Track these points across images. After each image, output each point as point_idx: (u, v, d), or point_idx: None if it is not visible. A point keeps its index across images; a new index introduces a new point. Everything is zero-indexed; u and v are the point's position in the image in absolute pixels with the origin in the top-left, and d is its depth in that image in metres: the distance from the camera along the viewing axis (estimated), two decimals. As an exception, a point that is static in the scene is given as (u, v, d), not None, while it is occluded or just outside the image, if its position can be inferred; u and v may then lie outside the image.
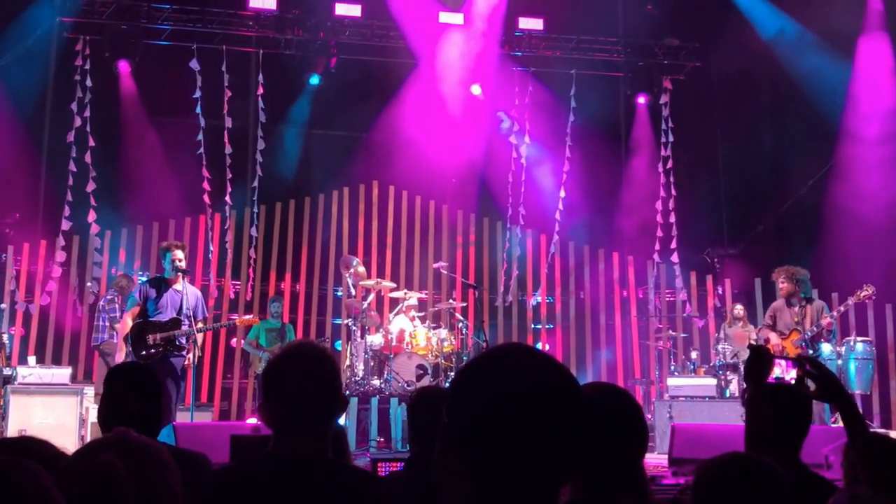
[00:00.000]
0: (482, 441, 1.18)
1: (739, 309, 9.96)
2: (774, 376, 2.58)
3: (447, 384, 8.38)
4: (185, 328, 6.94)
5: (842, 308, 7.92)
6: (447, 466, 1.22)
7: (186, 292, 7.02)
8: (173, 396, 6.74)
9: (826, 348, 8.26)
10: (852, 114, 10.46)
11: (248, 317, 8.32)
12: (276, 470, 1.94)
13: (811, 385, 2.52)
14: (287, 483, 1.92)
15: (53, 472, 1.84)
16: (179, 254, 7.05)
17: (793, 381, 2.58)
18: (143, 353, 6.84)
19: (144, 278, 7.41)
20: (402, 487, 2.71)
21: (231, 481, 1.99)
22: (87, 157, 10.62)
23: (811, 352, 7.64)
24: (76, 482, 1.44)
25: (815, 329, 7.64)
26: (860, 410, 2.44)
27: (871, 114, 10.30)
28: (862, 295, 7.75)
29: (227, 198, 11.04)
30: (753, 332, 9.51)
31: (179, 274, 7.02)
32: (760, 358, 2.57)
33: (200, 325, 7.09)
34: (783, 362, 2.55)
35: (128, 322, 7.00)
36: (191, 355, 7.11)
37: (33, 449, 1.93)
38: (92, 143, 10.66)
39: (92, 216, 10.54)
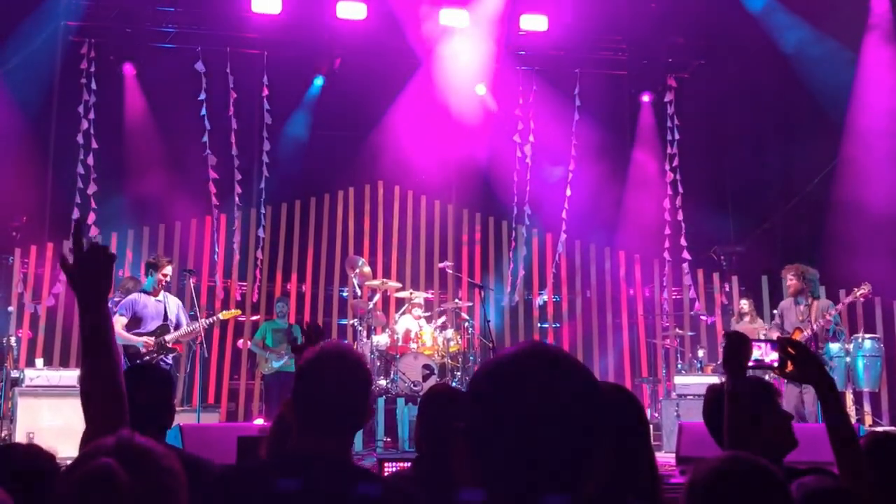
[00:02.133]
0: (497, 443, 1.18)
1: (745, 304, 9.88)
2: (754, 358, 2.48)
3: (454, 383, 8.38)
4: (172, 334, 7.48)
5: (839, 306, 7.95)
6: (462, 467, 1.21)
7: (167, 302, 7.50)
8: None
9: (834, 347, 8.24)
10: (858, 110, 10.42)
11: (230, 311, 8.85)
12: (294, 469, 1.92)
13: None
14: (305, 483, 1.90)
15: (50, 484, 1.82)
16: (168, 270, 7.56)
17: (775, 364, 2.43)
18: (138, 361, 7.21)
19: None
20: (410, 486, 2.70)
21: (245, 479, 1.98)
22: (90, 160, 10.65)
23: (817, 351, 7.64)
24: (74, 486, 1.37)
25: (815, 327, 7.65)
26: (839, 395, 2.34)
27: (877, 110, 10.24)
28: (859, 293, 7.84)
29: (234, 199, 11.07)
30: (761, 327, 9.47)
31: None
32: (739, 345, 2.34)
33: (184, 328, 7.58)
34: (763, 345, 2.37)
35: (117, 321, 7.26)
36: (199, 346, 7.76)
37: (38, 457, 1.90)
38: (95, 145, 10.69)
39: (91, 218, 10.57)
